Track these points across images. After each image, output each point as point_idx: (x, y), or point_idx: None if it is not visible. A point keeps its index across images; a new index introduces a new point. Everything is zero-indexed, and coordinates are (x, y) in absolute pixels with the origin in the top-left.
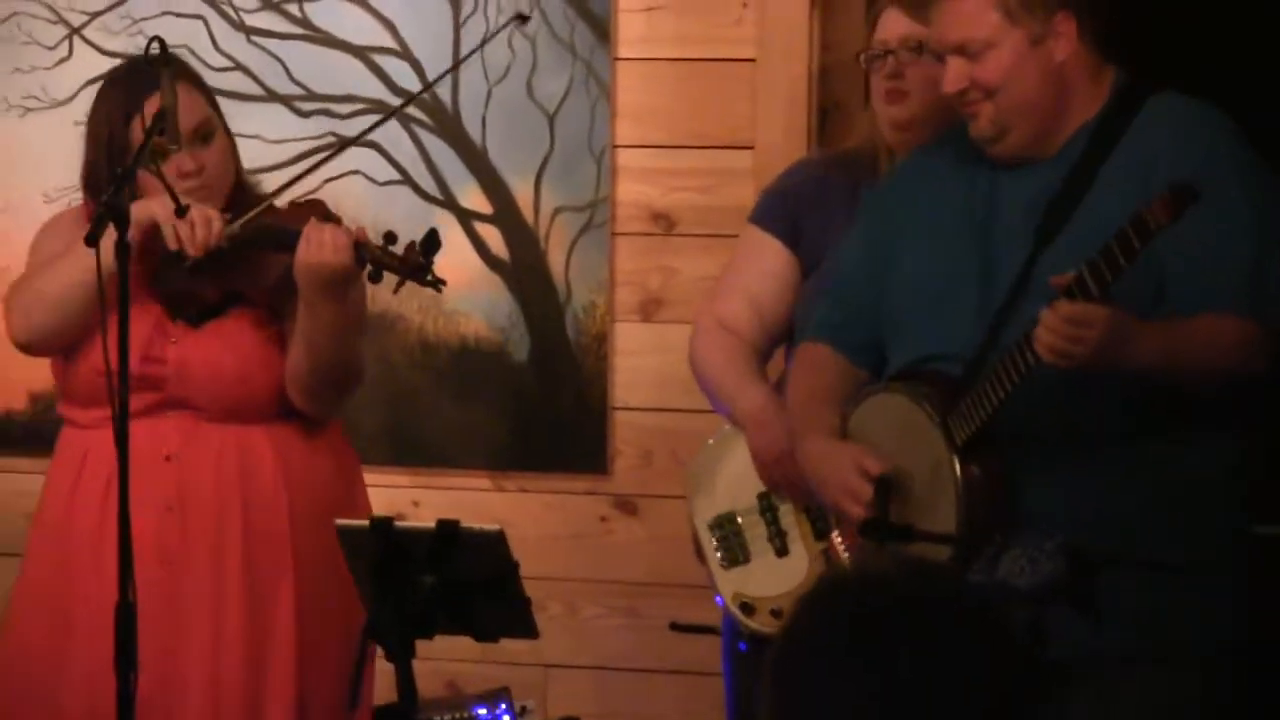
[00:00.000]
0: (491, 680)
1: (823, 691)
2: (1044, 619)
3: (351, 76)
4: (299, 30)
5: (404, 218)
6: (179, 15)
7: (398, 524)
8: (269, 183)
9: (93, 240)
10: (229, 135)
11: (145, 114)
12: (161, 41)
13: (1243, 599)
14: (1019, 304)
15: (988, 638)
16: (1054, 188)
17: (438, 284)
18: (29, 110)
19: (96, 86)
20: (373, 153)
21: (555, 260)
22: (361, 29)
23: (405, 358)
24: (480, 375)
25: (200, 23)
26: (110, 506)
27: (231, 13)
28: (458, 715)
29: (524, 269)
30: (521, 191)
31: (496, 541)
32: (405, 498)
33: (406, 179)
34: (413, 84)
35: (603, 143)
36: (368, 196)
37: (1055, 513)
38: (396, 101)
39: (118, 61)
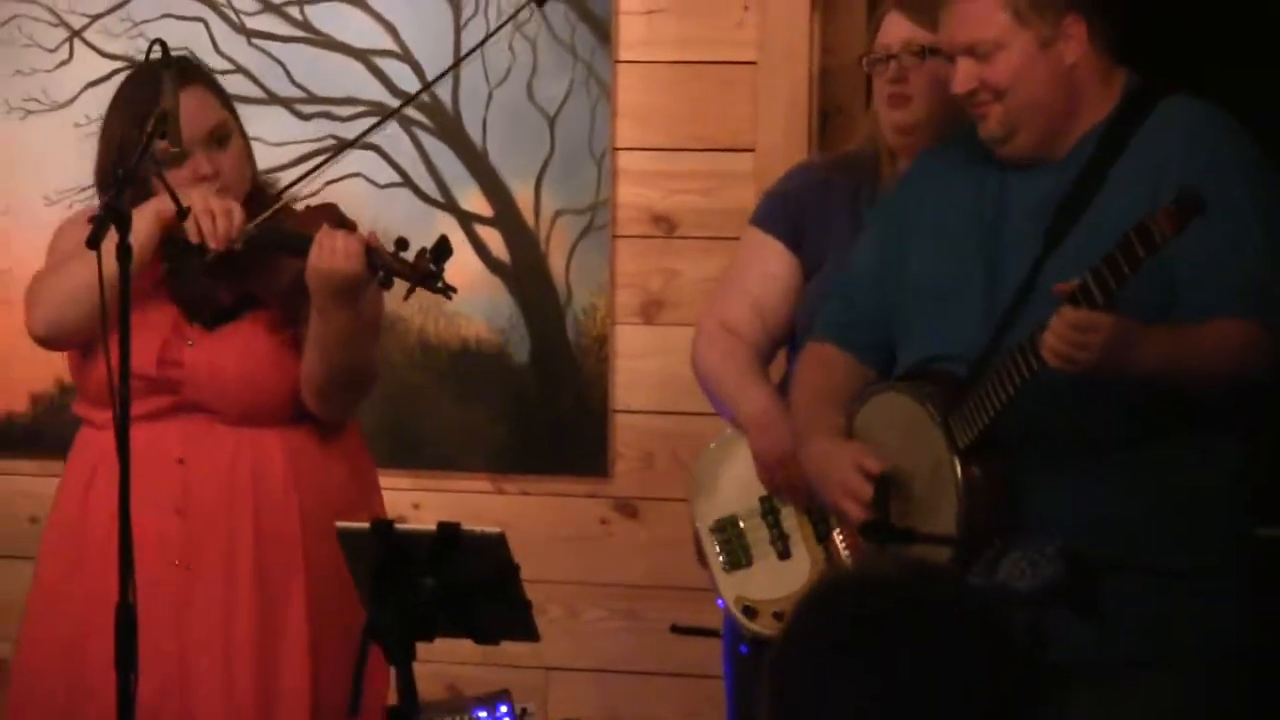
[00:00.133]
0: (492, 683)
1: (823, 693)
2: (1044, 622)
3: (352, 79)
4: (299, 33)
5: (404, 220)
6: (179, 18)
7: (398, 526)
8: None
9: (94, 243)
10: (245, 138)
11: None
12: (163, 44)
13: (1246, 603)
14: (1025, 306)
15: (988, 640)
16: (1063, 190)
17: (448, 290)
18: (30, 113)
19: (97, 89)
20: (373, 155)
21: (556, 262)
22: (362, 31)
23: (406, 359)
24: (481, 377)
25: (201, 25)
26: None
27: (232, 15)
28: (458, 718)
29: (525, 271)
30: (522, 194)
31: (497, 544)
32: (406, 500)
33: (407, 181)
34: (413, 86)
35: (603, 145)
36: (368, 199)
37: (1060, 516)
38: (397, 104)
39: (118, 64)
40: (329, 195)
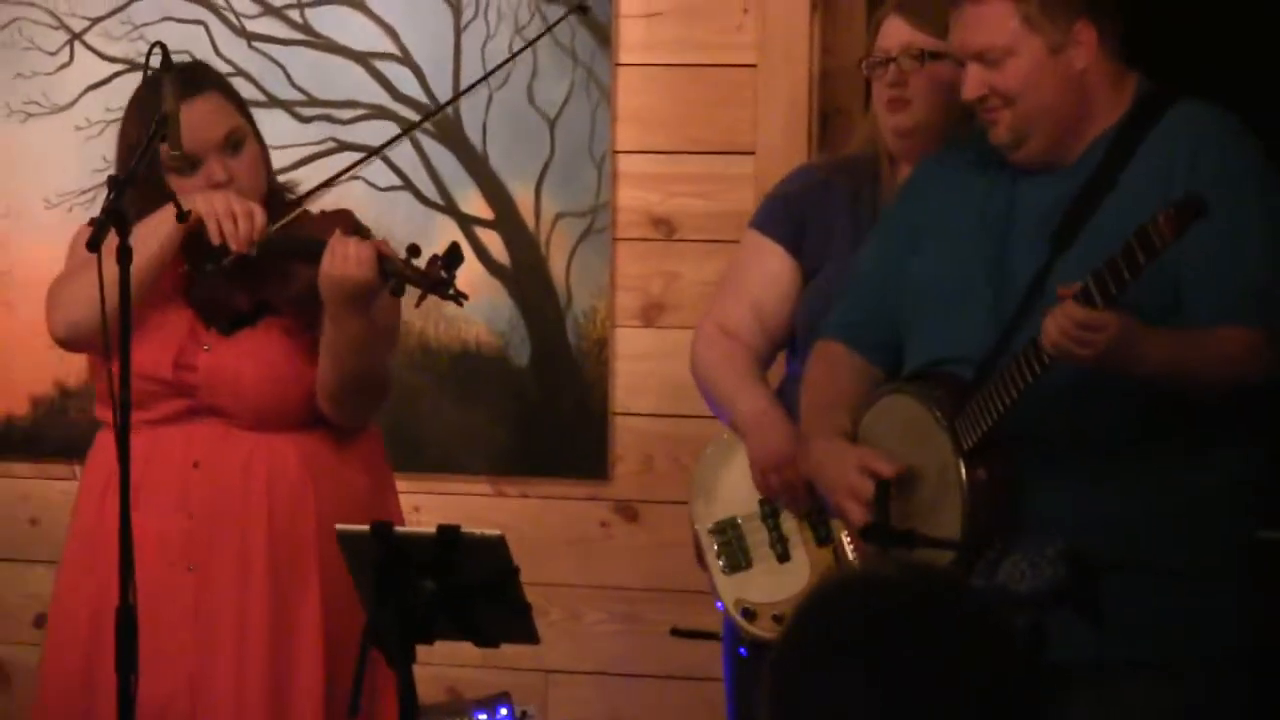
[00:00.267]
0: (492, 686)
1: (823, 696)
2: (1045, 623)
3: (352, 82)
4: (300, 36)
5: (405, 223)
6: (180, 21)
7: (398, 529)
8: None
9: (94, 245)
10: (260, 143)
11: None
12: (163, 47)
13: (1247, 604)
14: (1032, 310)
15: (989, 641)
16: (1072, 194)
17: (459, 298)
18: (30, 115)
19: (97, 92)
20: (374, 157)
21: (556, 265)
22: (362, 34)
23: (406, 362)
24: (481, 380)
25: (201, 28)
26: (135, 512)
27: (232, 18)
28: None
29: (525, 274)
30: (522, 197)
31: (497, 546)
32: (406, 503)
33: (408, 184)
34: (414, 89)
35: (603, 148)
36: (369, 202)
37: (1061, 517)
38: (397, 107)
39: (119, 67)
40: (328, 197)
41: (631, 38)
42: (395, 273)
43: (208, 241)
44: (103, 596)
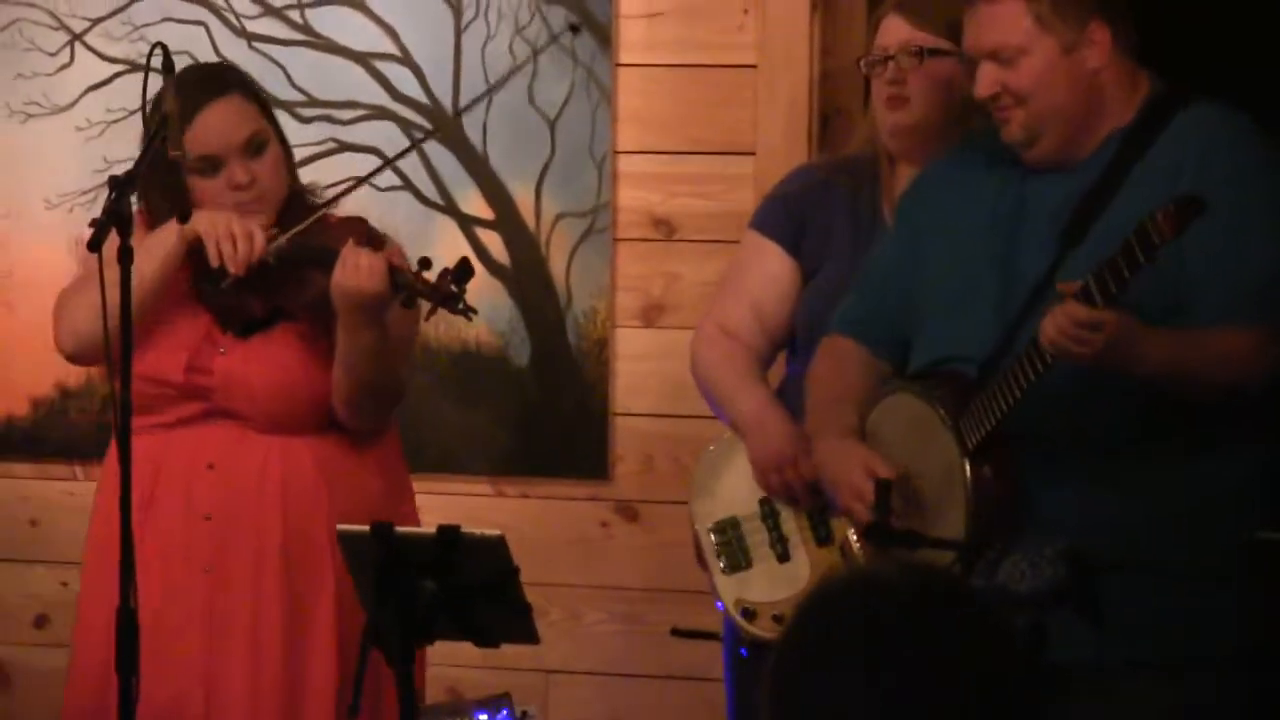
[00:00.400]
0: (493, 686)
1: (823, 696)
2: (1045, 623)
3: (352, 82)
4: (300, 36)
5: (405, 223)
6: (180, 21)
7: (398, 529)
8: None
9: (94, 246)
10: (283, 144)
11: (191, 128)
12: (164, 48)
13: (1247, 605)
14: (1038, 309)
15: (989, 642)
16: (1082, 193)
17: (469, 312)
18: (30, 116)
19: (98, 93)
20: (374, 158)
21: (556, 266)
22: (362, 35)
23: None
24: (481, 380)
25: (201, 29)
26: (152, 514)
27: (232, 19)
28: None
29: (525, 274)
30: (523, 197)
31: (497, 546)
32: None
33: (408, 185)
34: (414, 90)
35: (604, 148)
36: (369, 202)
37: (1063, 517)
38: (397, 107)
39: (119, 68)
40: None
41: (632, 38)
42: (406, 285)
43: (207, 261)
44: (115, 598)
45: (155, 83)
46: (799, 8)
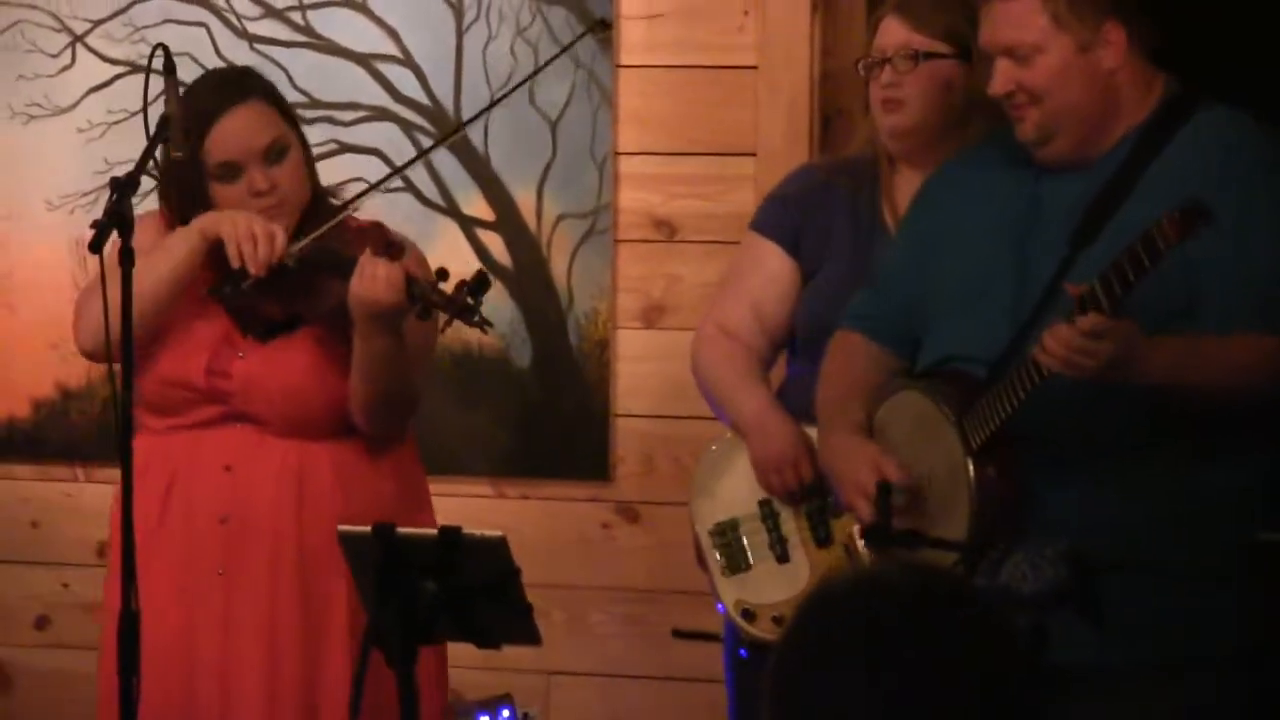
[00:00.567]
0: (494, 687)
1: (824, 696)
2: (1047, 624)
3: (354, 84)
4: (301, 38)
5: (406, 225)
6: (181, 23)
7: (400, 530)
8: None
9: (96, 248)
10: (304, 149)
11: (211, 134)
12: (166, 49)
13: (1248, 606)
14: (1048, 309)
15: (991, 643)
16: (1094, 193)
17: (484, 325)
18: (32, 117)
19: (99, 94)
20: (376, 160)
21: (557, 267)
22: (364, 36)
23: None
24: (482, 382)
25: (203, 30)
26: (167, 515)
27: (234, 20)
28: None
29: (526, 275)
30: (524, 198)
31: (498, 547)
32: None
33: (409, 186)
34: (415, 91)
35: (605, 150)
36: (370, 203)
37: (1068, 519)
38: (399, 109)
39: (120, 69)
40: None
41: (632, 39)
42: (422, 297)
43: (227, 262)
44: (138, 599)
45: (156, 84)
46: (799, 9)
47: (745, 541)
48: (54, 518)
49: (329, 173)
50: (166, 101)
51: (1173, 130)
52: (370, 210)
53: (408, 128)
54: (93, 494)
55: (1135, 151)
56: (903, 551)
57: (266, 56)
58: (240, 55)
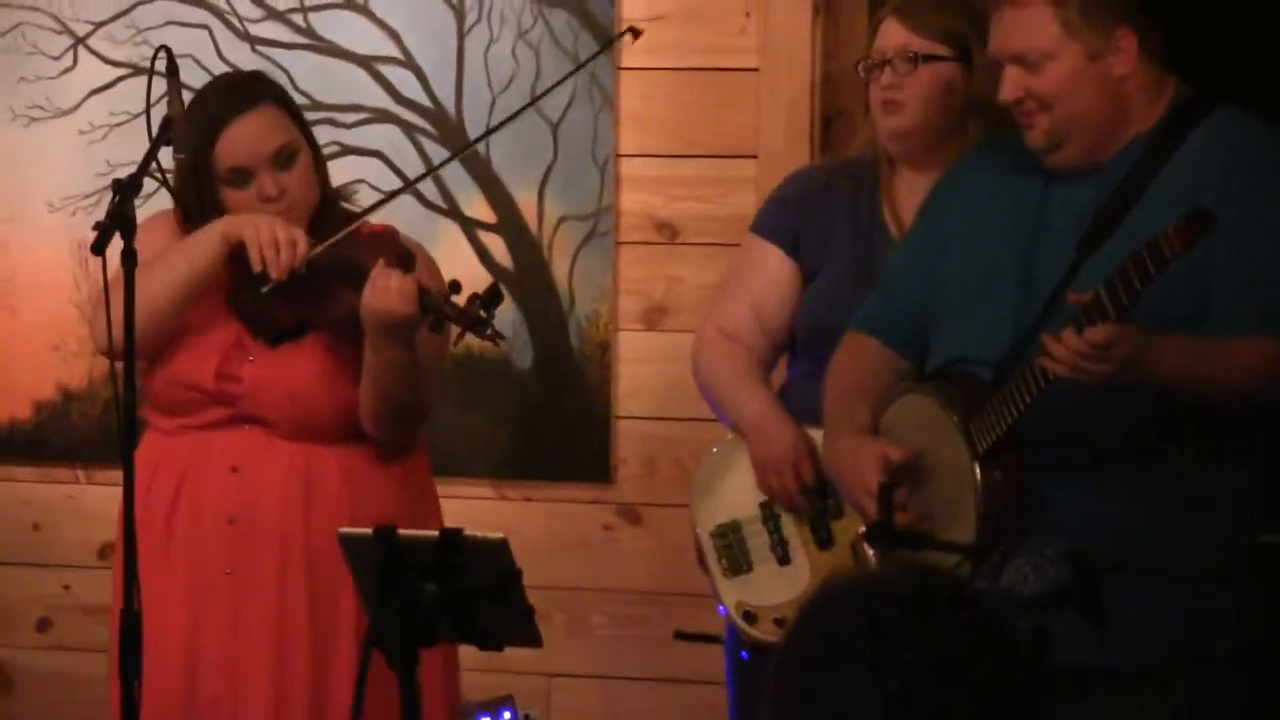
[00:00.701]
0: (495, 689)
1: (826, 697)
2: (1049, 625)
3: (355, 86)
4: (303, 40)
5: (407, 226)
6: (184, 25)
7: (401, 532)
8: None
9: (98, 250)
10: (314, 153)
11: (221, 139)
12: (168, 51)
13: (1249, 607)
14: (1054, 313)
15: (993, 644)
16: (1104, 198)
17: (497, 337)
18: (33, 119)
19: (101, 96)
20: (377, 162)
21: (559, 269)
22: (365, 38)
23: None
24: (484, 384)
25: (205, 32)
26: (176, 516)
27: (236, 22)
28: None
29: (528, 277)
30: (525, 200)
31: (499, 549)
32: None
33: (410, 188)
34: (417, 93)
35: (606, 152)
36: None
37: (1070, 519)
38: (400, 110)
39: (122, 71)
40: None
41: (634, 42)
42: (434, 309)
43: (249, 266)
44: (139, 600)
45: (159, 86)
46: (801, 11)
47: (747, 543)
48: (55, 520)
49: (331, 175)
50: (169, 103)
51: (1183, 135)
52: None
53: (409, 130)
54: (94, 496)
55: (1145, 157)
56: (905, 553)
57: (268, 58)
58: (242, 57)
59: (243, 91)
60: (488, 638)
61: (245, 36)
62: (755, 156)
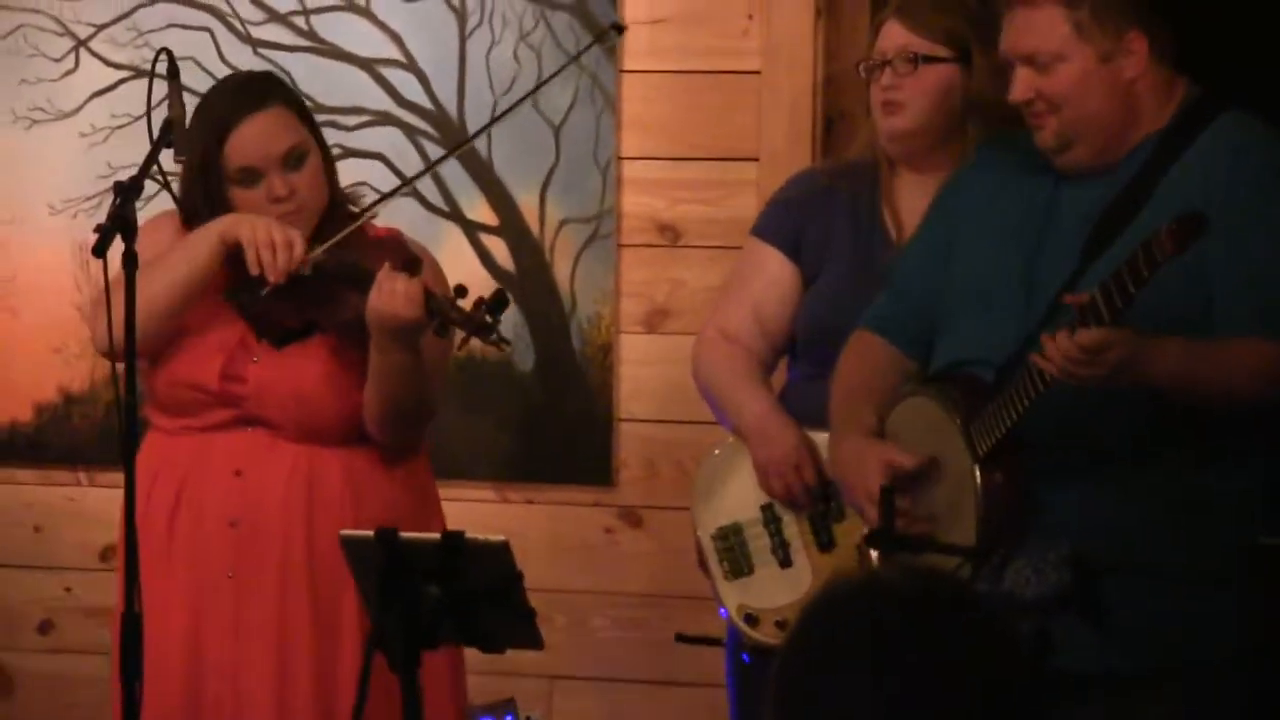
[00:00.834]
0: (497, 692)
1: (828, 699)
2: (1050, 629)
3: (357, 88)
4: (305, 42)
5: (409, 229)
6: (185, 28)
7: (403, 534)
8: None
9: (99, 252)
10: (323, 154)
11: (231, 139)
12: (170, 54)
13: (1249, 609)
14: (1058, 315)
15: (994, 647)
16: (1111, 199)
17: (502, 342)
18: (35, 122)
19: (103, 98)
20: (379, 164)
21: (561, 272)
22: (367, 41)
23: None
24: (485, 386)
25: (207, 35)
26: (178, 519)
27: (238, 25)
28: None
29: (529, 280)
30: (527, 203)
31: (501, 552)
32: None
33: (413, 191)
34: (418, 95)
35: (608, 154)
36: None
37: (1069, 521)
38: (402, 113)
39: (124, 74)
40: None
41: (636, 44)
42: (441, 313)
43: (246, 268)
44: (140, 602)
45: (160, 89)
46: (802, 13)
47: (748, 546)
48: (56, 522)
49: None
50: (170, 106)
51: (1192, 136)
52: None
53: (411, 132)
54: (95, 498)
55: (1154, 157)
56: (907, 556)
57: (270, 61)
58: (243, 60)
59: (253, 92)
60: (489, 640)
61: (247, 39)
62: (757, 159)
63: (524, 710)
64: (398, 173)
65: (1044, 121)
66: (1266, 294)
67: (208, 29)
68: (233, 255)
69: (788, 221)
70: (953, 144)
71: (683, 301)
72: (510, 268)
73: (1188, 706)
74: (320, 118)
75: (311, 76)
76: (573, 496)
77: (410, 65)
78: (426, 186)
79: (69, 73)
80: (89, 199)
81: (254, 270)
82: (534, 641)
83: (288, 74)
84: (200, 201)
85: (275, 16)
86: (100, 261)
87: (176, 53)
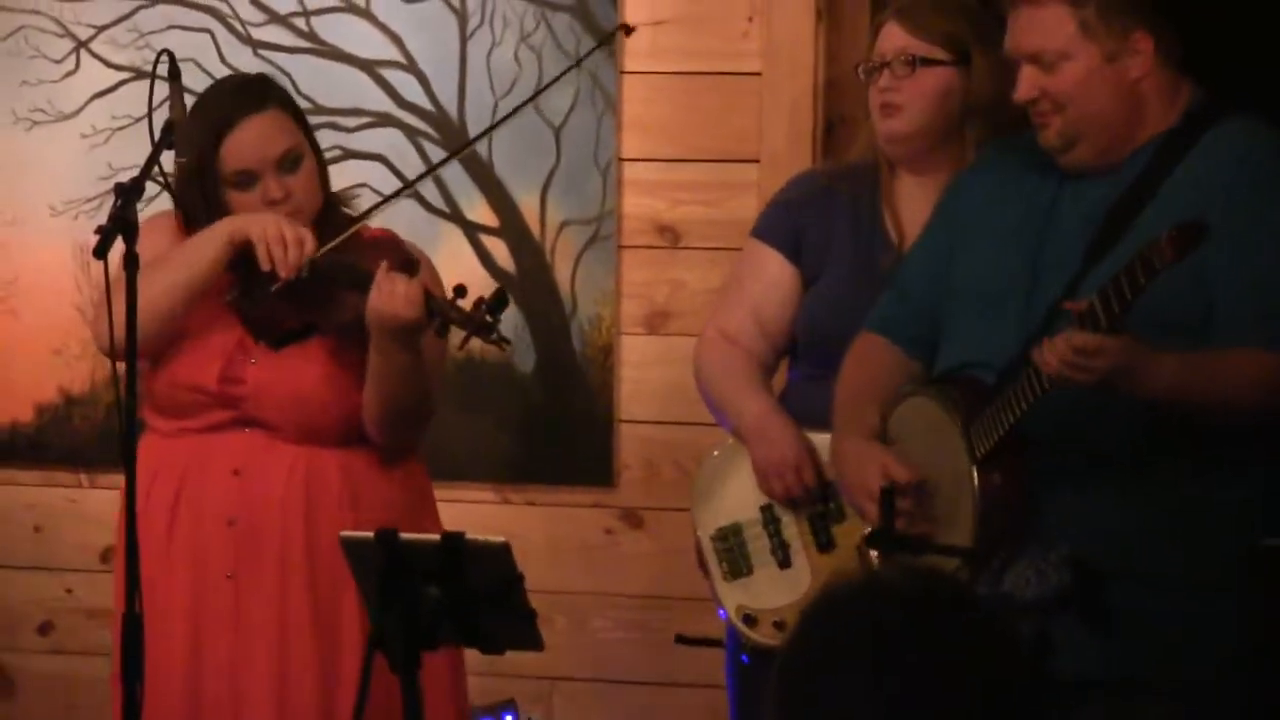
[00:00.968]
0: (497, 693)
1: (829, 700)
2: (1050, 631)
3: (357, 89)
4: (305, 44)
5: (409, 230)
6: (186, 29)
7: (403, 535)
8: None
9: (100, 254)
10: (317, 157)
11: (227, 142)
12: (170, 55)
13: (1249, 612)
14: (1060, 318)
15: (994, 648)
16: (1114, 200)
17: (503, 342)
18: (36, 123)
19: (103, 100)
20: (379, 165)
21: (561, 273)
22: (368, 42)
23: None
24: (486, 387)
25: (207, 36)
26: (177, 519)
27: (238, 26)
28: None
29: (530, 281)
30: (528, 204)
31: (501, 553)
32: None
33: (413, 192)
34: (419, 97)
35: (609, 156)
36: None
37: (1069, 525)
38: (402, 114)
39: (125, 75)
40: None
41: (637, 46)
42: (440, 313)
43: (256, 265)
44: (141, 602)
45: (161, 90)
46: (803, 15)
47: (747, 547)
48: (57, 523)
49: (333, 179)
50: (171, 107)
51: (1196, 138)
52: (375, 216)
53: (411, 133)
54: (96, 499)
55: (1157, 159)
56: (907, 556)
57: (270, 62)
58: (244, 61)
59: (249, 94)
60: (489, 641)
61: (247, 40)
62: (757, 160)
63: (524, 711)
64: (398, 174)
65: (1048, 120)
66: (1268, 299)
67: (208, 30)
68: (235, 259)
69: (788, 223)
70: (951, 146)
71: (683, 303)
72: (511, 269)
73: (1188, 708)
74: (320, 119)
75: (312, 78)
76: (573, 498)
77: (411, 66)
78: (427, 188)
79: (70, 74)
80: (90, 200)
81: (265, 266)
82: (534, 643)
83: (288, 75)
84: (196, 204)
85: (276, 18)
86: (101, 263)
87: (177, 54)
